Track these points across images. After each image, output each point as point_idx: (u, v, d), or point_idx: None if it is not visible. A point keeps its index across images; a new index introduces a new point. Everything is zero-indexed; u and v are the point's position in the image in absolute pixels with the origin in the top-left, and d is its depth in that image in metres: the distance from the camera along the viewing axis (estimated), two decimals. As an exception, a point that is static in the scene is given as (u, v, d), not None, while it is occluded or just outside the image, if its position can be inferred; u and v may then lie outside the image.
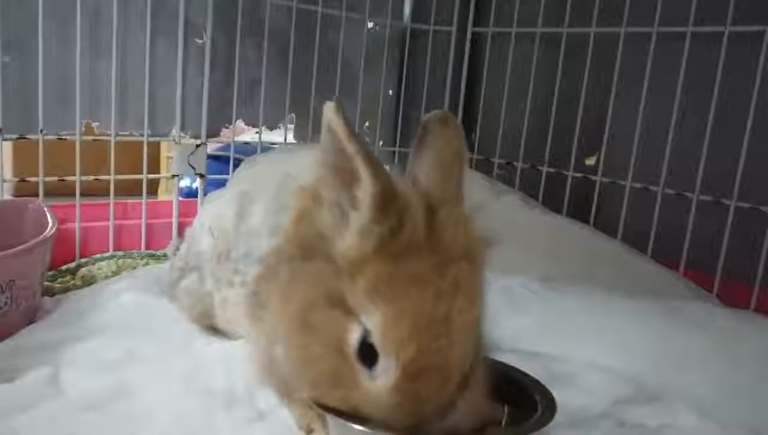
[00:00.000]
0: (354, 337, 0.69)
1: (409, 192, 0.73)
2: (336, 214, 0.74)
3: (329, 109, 0.69)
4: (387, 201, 0.69)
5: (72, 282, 1.50)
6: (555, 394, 0.82)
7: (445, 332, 0.68)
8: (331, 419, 0.75)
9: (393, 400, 0.68)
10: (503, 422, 0.83)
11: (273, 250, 0.88)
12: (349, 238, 0.71)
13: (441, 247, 0.70)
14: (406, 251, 0.69)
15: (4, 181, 1.50)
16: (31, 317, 1.25)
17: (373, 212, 0.69)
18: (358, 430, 0.70)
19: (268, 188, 1.08)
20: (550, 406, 0.79)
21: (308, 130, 1.93)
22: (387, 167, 0.73)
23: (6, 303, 1.14)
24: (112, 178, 1.62)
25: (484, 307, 0.76)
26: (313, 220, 0.77)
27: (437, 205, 0.73)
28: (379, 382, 0.68)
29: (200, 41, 1.72)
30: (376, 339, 0.67)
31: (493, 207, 1.79)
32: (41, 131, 1.50)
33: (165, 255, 1.64)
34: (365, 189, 0.69)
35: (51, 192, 1.54)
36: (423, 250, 0.69)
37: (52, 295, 1.40)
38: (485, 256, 0.76)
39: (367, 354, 0.68)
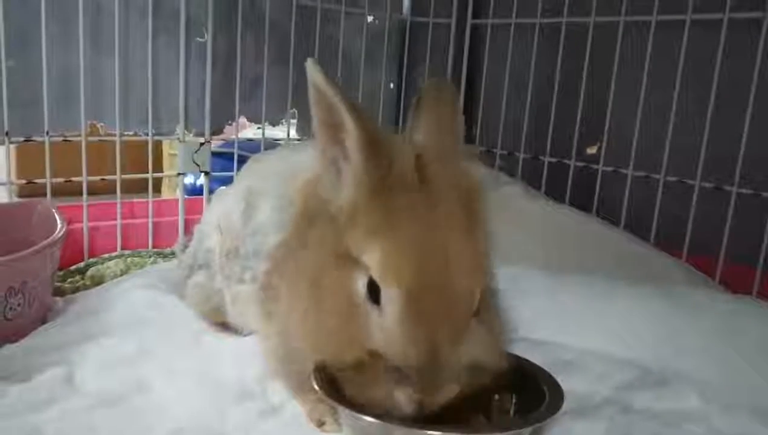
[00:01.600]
0: (361, 283, 0.72)
1: (396, 138, 0.77)
2: (333, 172, 0.78)
3: (310, 66, 0.74)
4: (374, 146, 0.73)
5: (82, 282, 1.51)
6: (559, 381, 0.84)
7: (442, 254, 0.70)
8: (342, 411, 0.76)
9: (404, 331, 0.69)
10: (511, 411, 0.84)
11: (278, 244, 0.91)
12: (345, 190, 0.76)
13: (432, 186, 0.74)
14: (398, 192, 0.73)
15: (11, 183, 1.52)
16: (42, 318, 1.27)
17: (363, 157, 0.73)
18: (368, 421, 0.71)
19: (273, 185, 1.09)
20: (557, 395, 0.80)
21: (310, 125, 1.93)
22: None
23: (19, 304, 1.16)
24: (118, 177, 1.63)
25: (487, 244, 0.79)
26: (315, 195, 0.81)
27: (433, 159, 0.76)
28: (388, 315, 0.70)
29: (201, 39, 1.73)
30: (376, 274, 0.70)
31: (496, 197, 1.80)
32: (47, 133, 1.51)
33: (173, 253, 1.65)
34: (351, 135, 0.74)
35: (53, 192, 1.54)
36: (414, 189, 0.73)
37: (63, 295, 1.41)
38: (481, 197, 0.79)
39: (375, 295, 0.71)
